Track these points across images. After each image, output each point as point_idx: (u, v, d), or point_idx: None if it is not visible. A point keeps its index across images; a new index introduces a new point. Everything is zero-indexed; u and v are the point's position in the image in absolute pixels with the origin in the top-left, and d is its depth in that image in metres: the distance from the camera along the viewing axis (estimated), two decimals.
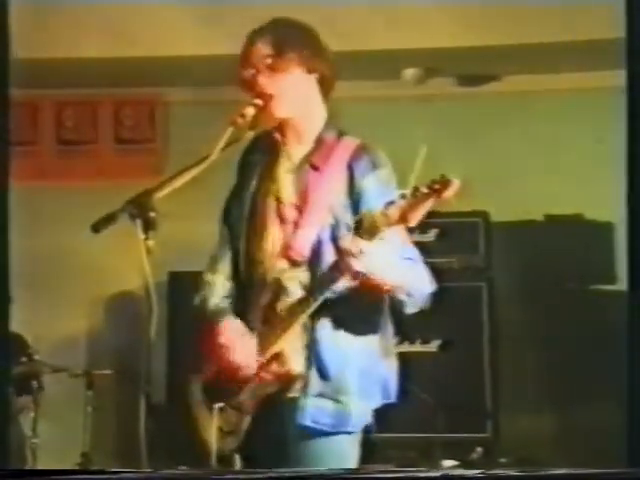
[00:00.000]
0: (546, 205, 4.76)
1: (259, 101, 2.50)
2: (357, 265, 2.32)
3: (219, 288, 2.59)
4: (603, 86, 4.74)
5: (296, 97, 2.53)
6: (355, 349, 2.47)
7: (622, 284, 4.64)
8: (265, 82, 2.51)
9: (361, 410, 2.48)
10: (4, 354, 2.70)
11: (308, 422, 2.44)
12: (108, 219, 2.34)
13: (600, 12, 4.09)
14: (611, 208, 4.63)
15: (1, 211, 2.57)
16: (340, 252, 2.37)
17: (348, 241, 2.34)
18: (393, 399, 2.53)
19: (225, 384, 2.51)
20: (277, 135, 2.58)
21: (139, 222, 2.31)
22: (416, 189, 2.22)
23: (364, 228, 2.31)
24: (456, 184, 2.20)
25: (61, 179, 5.10)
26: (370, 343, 2.49)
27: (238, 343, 2.47)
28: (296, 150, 2.57)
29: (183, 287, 4.54)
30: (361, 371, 2.47)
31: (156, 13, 4.44)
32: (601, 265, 4.70)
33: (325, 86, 2.57)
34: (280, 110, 2.52)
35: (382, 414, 2.53)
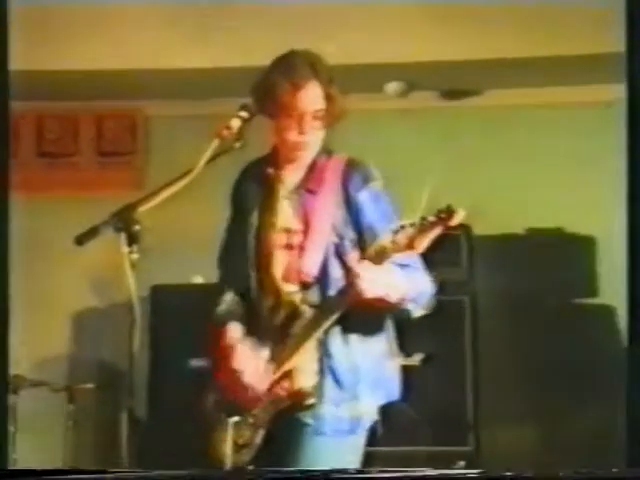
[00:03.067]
0: (528, 219, 4.80)
1: (245, 113, 2.55)
2: (367, 289, 2.41)
3: (227, 300, 2.68)
4: (585, 101, 4.80)
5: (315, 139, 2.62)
6: (365, 356, 2.57)
7: (603, 298, 4.70)
8: (305, 132, 2.58)
9: (371, 411, 2.60)
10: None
11: (328, 432, 2.52)
12: (92, 232, 2.36)
13: (582, 27, 4.15)
14: (592, 222, 4.69)
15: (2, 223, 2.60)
16: (350, 275, 2.46)
17: (357, 266, 2.43)
18: (396, 397, 2.64)
19: (237, 401, 2.57)
20: (271, 164, 2.65)
21: (123, 235, 2.34)
22: (424, 218, 2.33)
23: (374, 254, 2.41)
24: (461, 214, 2.31)
25: (42, 192, 5.09)
26: (378, 347, 2.60)
27: (246, 356, 2.55)
28: (290, 176, 2.65)
29: (166, 300, 4.56)
30: (372, 376, 2.58)
31: (139, 26, 4.45)
32: (582, 279, 4.74)
33: (328, 121, 2.62)
34: (305, 156, 2.62)
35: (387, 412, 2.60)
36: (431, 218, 2.32)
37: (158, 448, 4.03)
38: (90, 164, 5.26)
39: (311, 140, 2.60)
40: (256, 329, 2.61)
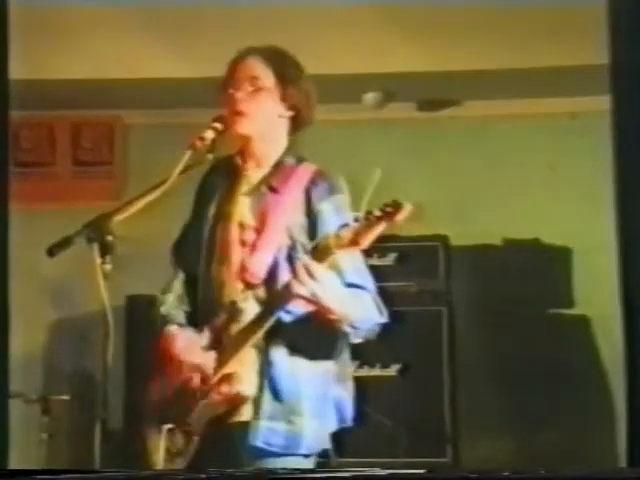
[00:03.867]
0: (505, 229, 4.81)
1: (218, 124, 2.54)
2: (305, 288, 2.36)
3: (169, 301, 2.63)
4: (563, 112, 4.82)
5: (262, 121, 2.57)
6: (309, 373, 2.50)
7: (579, 308, 4.71)
8: (242, 98, 2.55)
9: (315, 432, 2.51)
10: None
11: (259, 443, 2.46)
12: (64, 243, 2.36)
13: (561, 40, 4.18)
14: (568, 233, 4.72)
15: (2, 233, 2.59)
16: (293, 273, 2.40)
17: (300, 262, 2.38)
18: (349, 423, 2.56)
19: (174, 404, 2.52)
20: (238, 159, 2.62)
21: (96, 246, 2.33)
22: (369, 212, 2.27)
23: (317, 250, 2.36)
24: (408, 208, 2.25)
25: (17, 202, 5.05)
26: (325, 367, 2.53)
27: (188, 346, 2.50)
28: (255, 173, 2.61)
29: (141, 311, 4.54)
30: (315, 394, 2.50)
31: (117, 35, 4.44)
32: (559, 289, 4.76)
33: (296, 125, 2.62)
34: (242, 127, 2.56)
35: (340, 439, 2.54)
36: (377, 212, 2.26)
37: (133, 460, 4.01)
38: (66, 173, 5.23)
39: (256, 113, 2.54)
40: (198, 329, 2.56)
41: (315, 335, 2.49)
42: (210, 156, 2.55)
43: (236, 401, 2.47)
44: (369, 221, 2.27)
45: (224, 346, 2.49)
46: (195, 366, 2.50)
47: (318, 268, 2.34)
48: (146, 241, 4.33)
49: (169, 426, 2.50)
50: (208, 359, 2.49)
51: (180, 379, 2.52)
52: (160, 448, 2.50)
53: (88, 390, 4.49)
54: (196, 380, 2.50)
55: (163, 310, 2.61)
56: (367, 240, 2.29)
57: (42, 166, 5.23)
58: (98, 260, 2.31)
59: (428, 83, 4.72)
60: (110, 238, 2.33)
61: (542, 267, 4.74)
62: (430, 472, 2.33)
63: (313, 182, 2.56)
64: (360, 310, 2.47)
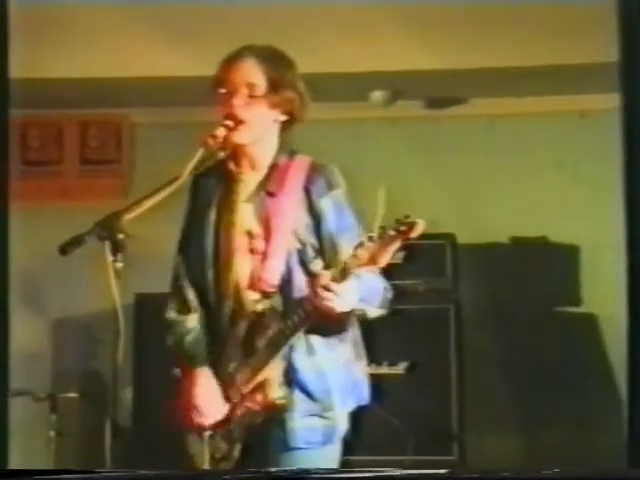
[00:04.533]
0: (512, 227, 4.82)
1: (230, 122, 2.52)
2: (339, 306, 2.41)
3: (193, 326, 2.62)
4: (571, 109, 4.82)
5: (258, 127, 2.56)
6: (332, 364, 2.53)
7: (586, 306, 4.72)
8: (239, 105, 2.53)
9: (344, 420, 2.57)
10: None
11: (301, 444, 2.51)
12: (76, 241, 2.35)
13: (570, 37, 4.18)
14: (575, 231, 4.72)
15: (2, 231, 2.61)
16: (314, 292, 2.43)
17: (321, 282, 2.40)
18: (366, 401, 2.61)
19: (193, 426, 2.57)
20: (230, 163, 2.61)
21: (107, 244, 2.33)
22: (383, 231, 2.30)
23: (337, 272, 2.38)
24: (421, 225, 2.28)
25: (25, 200, 5.07)
26: (344, 352, 2.56)
27: (208, 402, 2.53)
28: (251, 177, 2.60)
29: (150, 309, 4.55)
30: (341, 384, 2.54)
31: (124, 33, 4.45)
32: (566, 287, 4.76)
33: (287, 127, 2.61)
34: (240, 137, 2.55)
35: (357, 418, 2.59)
36: (391, 232, 2.29)
37: (142, 458, 4.03)
38: (74, 172, 5.25)
39: (252, 121, 2.52)
40: (217, 339, 2.58)
41: (330, 325, 2.51)
42: (222, 154, 2.55)
43: (272, 407, 2.51)
44: (384, 240, 2.30)
45: (253, 356, 2.52)
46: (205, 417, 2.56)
47: (339, 286, 2.38)
48: (155, 240, 4.35)
49: (209, 433, 2.55)
50: (221, 411, 2.54)
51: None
52: (204, 454, 2.54)
53: (97, 388, 4.51)
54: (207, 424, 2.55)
55: (188, 344, 2.60)
56: (385, 259, 2.33)
57: (50, 165, 5.25)
58: (110, 258, 2.32)
59: (435, 81, 4.71)
60: (121, 236, 2.33)
61: (549, 265, 4.75)
62: (450, 472, 2.36)
63: (310, 180, 2.55)
64: (368, 285, 2.49)
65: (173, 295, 2.66)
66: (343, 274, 2.37)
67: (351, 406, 2.58)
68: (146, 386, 4.43)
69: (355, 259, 2.34)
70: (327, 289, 2.38)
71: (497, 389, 4.60)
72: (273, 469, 2.49)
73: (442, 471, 2.39)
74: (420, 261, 4.48)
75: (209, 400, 2.54)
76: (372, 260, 2.33)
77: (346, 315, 2.48)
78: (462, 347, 4.49)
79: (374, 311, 2.54)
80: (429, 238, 4.46)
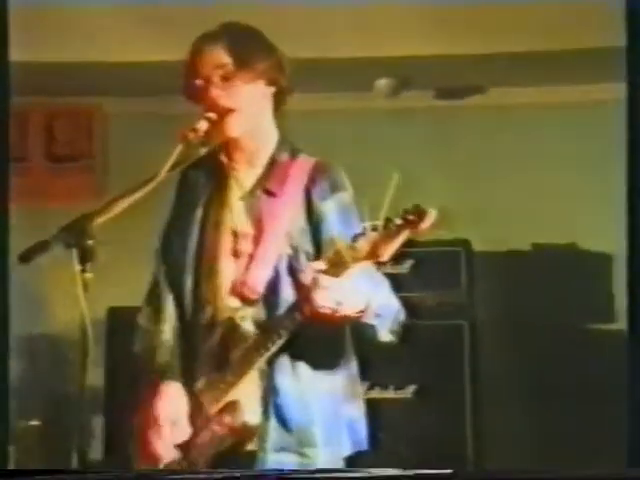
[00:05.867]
0: (534, 233, 4.80)
1: (213, 115, 2.52)
2: (322, 301, 2.34)
3: (168, 339, 2.59)
4: (597, 99, 4.81)
5: (251, 113, 2.56)
6: (318, 394, 2.49)
7: (622, 323, 4.70)
8: (219, 94, 2.53)
9: (328, 462, 2.50)
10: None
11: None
12: (39, 248, 2.33)
13: (593, 19, 4.17)
14: (608, 236, 4.70)
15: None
16: (301, 290, 2.39)
17: (310, 278, 2.35)
18: (364, 446, 2.56)
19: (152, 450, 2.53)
20: (224, 158, 2.60)
21: (75, 252, 2.30)
22: (389, 220, 2.26)
23: (330, 264, 2.33)
24: (432, 215, 2.24)
25: None
26: (334, 385, 2.52)
27: (170, 421, 2.49)
28: (247, 174, 2.60)
29: (125, 325, 4.52)
30: (326, 418, 2.49)
31: (95, 14, 4.44)
32: (597, 301, 4.75)
33: (278, 100, 2.61)
34: (234, 128, 2.54)
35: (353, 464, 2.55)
36: (397, 221, 2.24)
37: None
38: (40, 169, 5.24)
39: (242, 106, 2.51)
40: (191, 351, 2.54)
41: (320, 348, 2.49)
42: (203, 150, 2.54)
43: (242, 432, 2.46)
44: (389, 230, 2.25)
45: (225, 370, 2.48)
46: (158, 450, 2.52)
47: (332, 281, 2.32)
48: (131, 246, 4.33)
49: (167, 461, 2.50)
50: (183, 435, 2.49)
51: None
52: None
53: (63, 415, 4.49)
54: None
55: (161, 359, 2.57)
56: (388, 252, 2.27)
57: (12, 161, 5.22)
58: (78, 268, 2.29)
59: (447, 68, 4.71)
60: (91, 243, 2.30)
61: (578, 276, 4.74)
62: (453, 472, 2.34)
63: (313, 180, 2.54)
64: (381, 296, 2.45)
65: (149, 300, 2.65)
66: (337, 267, 2.32)
67: (346, 450, 2.53)
68: (119, 412, 4.40)
69: (353, 250, 2.29)
70: (315, 282, 2.32)
71: (517, 417, 4.58)
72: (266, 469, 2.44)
73: (445, 471, 2.36)
74: (431, 271, 4.48)
75: (172, 419, 2.50)
76: (373, 253, 2.28)
77: (339, 321, 2.40)
78: (478, 368, 4.48)
79: (384, 334, 2.49)
80: (440, 245, 4.48)
